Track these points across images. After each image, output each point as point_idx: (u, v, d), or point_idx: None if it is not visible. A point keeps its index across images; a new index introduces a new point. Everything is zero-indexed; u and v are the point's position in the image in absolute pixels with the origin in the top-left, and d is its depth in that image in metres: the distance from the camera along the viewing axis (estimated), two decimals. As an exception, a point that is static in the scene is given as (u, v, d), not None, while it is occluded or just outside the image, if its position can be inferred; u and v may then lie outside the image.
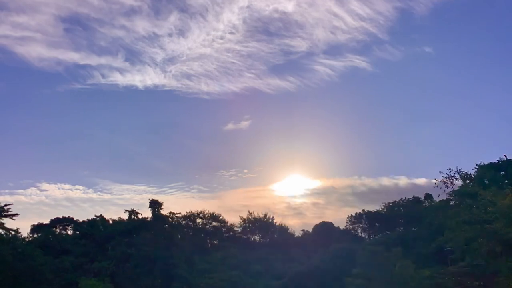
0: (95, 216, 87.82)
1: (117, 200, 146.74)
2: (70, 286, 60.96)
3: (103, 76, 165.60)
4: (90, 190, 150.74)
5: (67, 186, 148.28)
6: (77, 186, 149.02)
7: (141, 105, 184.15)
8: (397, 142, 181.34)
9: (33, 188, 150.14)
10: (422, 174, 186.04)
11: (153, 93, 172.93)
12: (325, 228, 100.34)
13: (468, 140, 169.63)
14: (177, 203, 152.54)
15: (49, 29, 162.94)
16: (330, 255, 76.99)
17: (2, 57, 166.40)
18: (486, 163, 67.41)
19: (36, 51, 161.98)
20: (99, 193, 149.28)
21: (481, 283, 42.30)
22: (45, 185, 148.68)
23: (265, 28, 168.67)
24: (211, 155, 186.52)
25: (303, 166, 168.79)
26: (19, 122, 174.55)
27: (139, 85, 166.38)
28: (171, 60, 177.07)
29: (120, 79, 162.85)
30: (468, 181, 68.44)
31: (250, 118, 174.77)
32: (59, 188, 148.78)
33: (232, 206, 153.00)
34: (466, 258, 45.16)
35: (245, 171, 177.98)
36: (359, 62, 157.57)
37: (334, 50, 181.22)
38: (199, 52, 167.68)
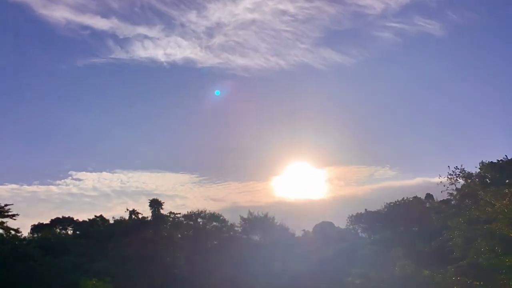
0: (95, 216, 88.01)
1: (154, 189, 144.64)
2: (70, 286, 60.88)
3: (132, 48, 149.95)
4: (129, 179, 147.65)
5: (107, 175, 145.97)
6: (116, 175, 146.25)
7: (176, 82, 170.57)
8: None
9: (69, 177, 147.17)
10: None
11: (188, 69, 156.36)
12: (325, 228, 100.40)
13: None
14: (222, 195, 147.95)
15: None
16: (330, 255, 76.88)
17: (20, 18, 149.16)
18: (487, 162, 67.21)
19: (60, 14, 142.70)
20: (137, 182, 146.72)
21: (481, 282, 42.09)
22: (82, 174, 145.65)
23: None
24: (256, 145, 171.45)
25: (357, 156, 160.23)
26: (32, 112, 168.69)
27: (172, 59, 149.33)
28: (212, 29, 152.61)
29: (157, 53, 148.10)
30: (469, 180, 68.27)
31: (298, 100, 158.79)
32: (98, 178, 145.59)
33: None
34: (466, 258, 44.96)
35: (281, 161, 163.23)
36: (431, 27, 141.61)
37: (407, 11, 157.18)
38: (244, 18, 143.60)
